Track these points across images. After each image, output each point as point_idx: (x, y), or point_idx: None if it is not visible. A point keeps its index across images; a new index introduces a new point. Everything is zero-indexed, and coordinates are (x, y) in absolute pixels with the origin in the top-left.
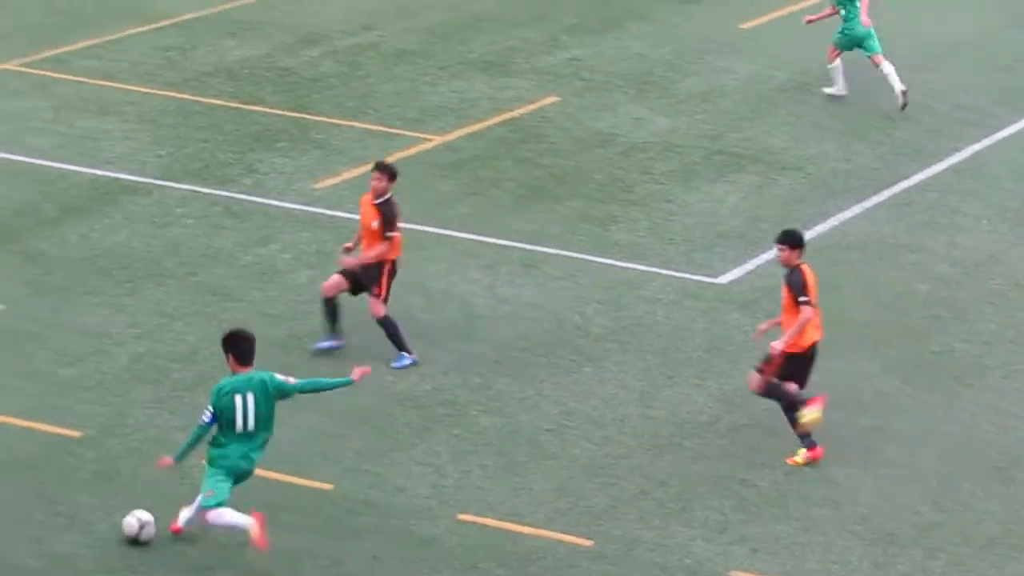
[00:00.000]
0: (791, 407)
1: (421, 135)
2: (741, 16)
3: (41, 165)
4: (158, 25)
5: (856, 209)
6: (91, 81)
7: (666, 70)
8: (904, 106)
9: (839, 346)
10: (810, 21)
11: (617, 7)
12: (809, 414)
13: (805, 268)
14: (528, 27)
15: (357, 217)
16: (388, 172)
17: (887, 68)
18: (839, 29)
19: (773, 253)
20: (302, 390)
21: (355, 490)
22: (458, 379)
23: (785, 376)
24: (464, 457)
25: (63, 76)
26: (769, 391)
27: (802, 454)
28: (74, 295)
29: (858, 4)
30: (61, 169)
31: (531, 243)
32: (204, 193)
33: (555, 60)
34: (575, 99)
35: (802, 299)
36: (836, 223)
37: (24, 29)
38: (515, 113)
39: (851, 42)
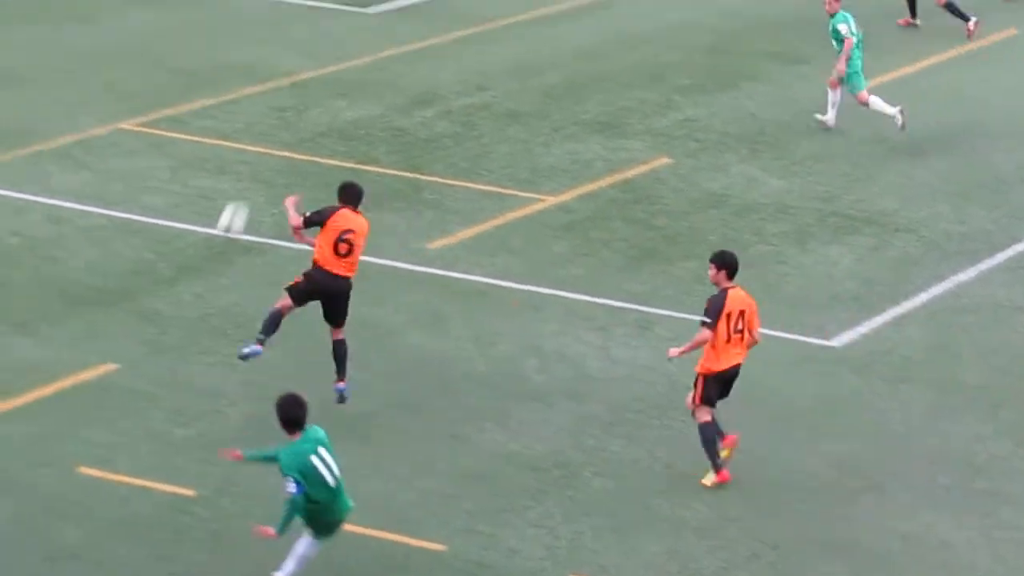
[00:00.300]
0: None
1: (534, 195)
2: None
3: (157, 224)
4: (273, 85)
5: (971, 272)
6: (207, 141)
7: (779, 131)
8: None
9: (953, 408)
10: (834, 83)
11: (730, 68)
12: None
13: (731, 293)
14: (642, 88)
15: (471, 278)
16: (340, 191)
17: (836, 97)
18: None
19: (889, 316)
20: None
21: (468, 551)
22: (571, 440)
23: (712, 396)
24: (577, 519)
25: (179, 136)
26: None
27: (710, 478)
28: (189, 354)
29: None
30: (177, 228)
31: (644, 304)
32: None
33: (668, 121)
34: (688, 160)
35: (704, 320)
36: (951, 286)
37: (142, 89)
38: (628, 174)
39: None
